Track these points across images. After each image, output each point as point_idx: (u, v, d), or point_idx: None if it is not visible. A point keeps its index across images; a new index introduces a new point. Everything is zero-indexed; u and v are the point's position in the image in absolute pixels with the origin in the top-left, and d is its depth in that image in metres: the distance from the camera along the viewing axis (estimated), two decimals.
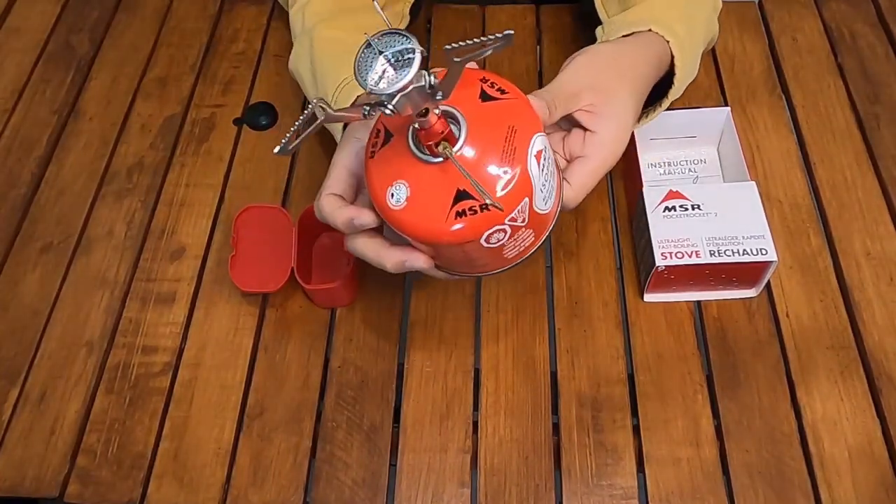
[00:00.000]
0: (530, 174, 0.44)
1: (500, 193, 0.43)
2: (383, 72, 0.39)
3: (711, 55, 0.78)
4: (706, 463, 0.57)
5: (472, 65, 0.46)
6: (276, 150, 0.41)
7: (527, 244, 0.49)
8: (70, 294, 0.67)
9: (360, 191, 0.52)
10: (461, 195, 0.43)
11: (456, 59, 0.39)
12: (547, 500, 0.57)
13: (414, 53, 0.39)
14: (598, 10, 0.67)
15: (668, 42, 0.58)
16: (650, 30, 0.58)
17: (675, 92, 0.60)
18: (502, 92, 0.45)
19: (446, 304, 0.65)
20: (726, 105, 0.74)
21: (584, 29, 0.80)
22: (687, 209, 0.62)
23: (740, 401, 0.60)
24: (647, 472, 0.57)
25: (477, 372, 0.62)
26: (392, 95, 0.39)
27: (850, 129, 0.73)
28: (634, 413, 0.60)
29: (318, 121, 0.42)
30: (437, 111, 0.42)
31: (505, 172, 0.43)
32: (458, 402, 0.61)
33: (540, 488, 0.57)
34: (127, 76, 0.81)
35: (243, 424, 0.61)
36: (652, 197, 0.62)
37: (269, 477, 0.58)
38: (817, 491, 0.56)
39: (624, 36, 0.58)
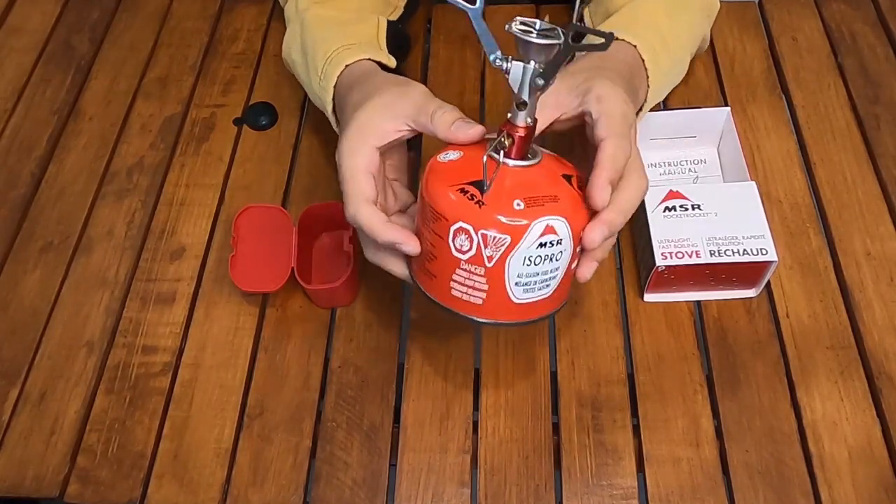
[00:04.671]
0: (530, 228, 0.44)
1: (496, 215, 0.44)
2: (526, 28, 0.43)
3: (711, 55, 0.79)
4: (706, 463, 0.57)
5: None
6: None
7: (473, 298, 0.48)
8: (70, 294, 0.67)
9: (379, 192, 0.52)
10: (478, 183, 0.45)
11: (570, 43, 0.43)
12: (547, 500, 0.57)
13: (560, 36, 0.43)
14: (587, 21, 0.68)
15: (635, 46, 0.58)
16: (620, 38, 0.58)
17: (652, 94, 0.60)
18: (577, 188, 0.48)
19: None
20: (726, 105, 0.74)
21: None
22: (687, 209, 0.62)
23: (740, 401, 0.60)
24: (647, 472, 0.57)
25: (477, 372, 0.62)
26: (521, 49, 0.44)
27: (850, 129, 0.73)
28: (634, 413, 0.60)
29: (476, 21, 0.46)
30: (529, 120, 0.46)
31: (517, 204, 0.45)
32: (458, 402, 0.61)
33: (540, 488, 0.57)
34: (127, 76, 0.81)
35: (243, 424, 0.61)
36: (652, 197, 0.62)
37: (269, 477, 0.58)
38: (817, 491, 0.56)
39: None
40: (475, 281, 0.47)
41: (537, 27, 0.43)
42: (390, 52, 0.63)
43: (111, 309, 0.66)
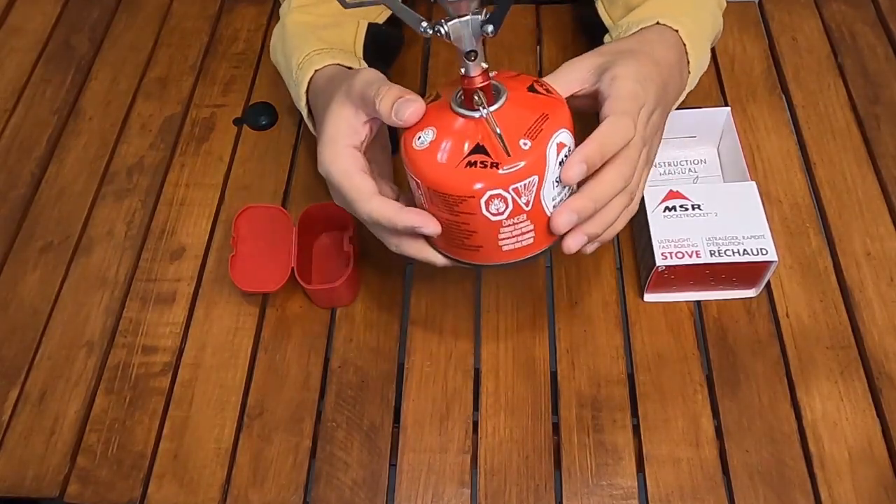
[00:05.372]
0: (546, 156, 0.45)
1: (509, 153, 0.45)
2: None
3: (711, 55, 0.78)
4: (706, 463, 0.57)
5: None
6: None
7: (525, 241, 0.48)
8: (70, 294, 0.67)
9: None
10: (478, 149, 0.45)
11: None
12: (547, 500, 0.57)
13: None
14: (602, 16, 0.66)
15: (677, 31, 0.57)
16: (658, 23, 0.57)
17: (691, 81, 0.59)
18: (548, 92, 0.48)
19: (446, 304, 0.65)
20: (726, 105, 0.74)
21: (584, 31, 0.81)
22: (687, 209, 0.62)
23: (740, 401, 0.60)
24: (647, 472, 0.57)
25: (477, 372, 0.62)
26: (453, 9, 0.42)
27: (850, 129, 0.73)
28: (634, 413, 0.60)
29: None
30: (483, 64, 0.44)
31: (524, 144, 0.45)
32: (458, 402, 0.61)
33: (540, 488, 0.57)
34: (127, 76, 0.81)
35: (243, 424, 0.61)
36: (652, 197, 0.62)
37: (269, 477, 0.58)
38: (817, 491, 0.56)
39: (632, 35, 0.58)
40: (521, 228, 0.47)
41: None
42: (374, 54, 0.63)
43: (111, 309, 0.66)
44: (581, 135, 0.47)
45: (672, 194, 0.62)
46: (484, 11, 0.43)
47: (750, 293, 0.64)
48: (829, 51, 0.79)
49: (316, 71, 0.59)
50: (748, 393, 0.60)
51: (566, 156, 0.46)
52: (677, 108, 0.66)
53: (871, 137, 0.72)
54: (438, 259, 0.52)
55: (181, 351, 0.64)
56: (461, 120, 0.46)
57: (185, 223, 0.71)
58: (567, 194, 0.48)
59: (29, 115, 0.79)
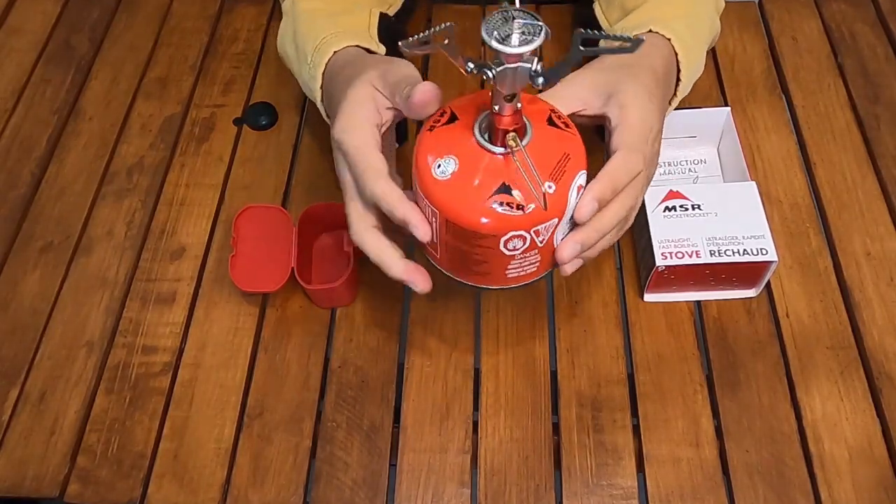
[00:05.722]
0: (568, 199, 0.46)
1: (538, 194, 0.45)
2: (509, 36, 0.40)
3: (712, 55, 0.78)
4: (706, 463, 0.57)
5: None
6: (401, 43, 0.42)
7: (529, 270, 0.49)
8: (70, 294, 0.67)
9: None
10: (504, 188, 0.45)
11: (581, 48, 0.42)
12: (547, 500, 0.57)
13: (541, 30, 0.40)
14: (599, 18, 0.67)
15: (669, 40, 0.57)
16: (651, 30, 0.57)
17: (682, 89, 0.59)
18: (566, 126, 0.48)
19: (446, 304, 0.65)
20: (726, 105, 0.74)
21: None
22: (687, 209, 0.62)
23: (740, 401, 0.60)
24: (647, 472, 0.57)
25: (477, 372, 0.62)
26: (506, 59, 0.41)
27: (850, 129, 0.73)
28: (634, 413, 0.60)
29: (445, 44, 0.42)
30: (519, 105, 0.44)
31: (549, 187, 0.45)
32: (458, 402, 0.61)
33: (540, 488, 0.57)
34: (127, 76, 0.81)
35: (243, 424, 0.61)
36: (652, 197, 0.62)
37: (269, 477, 0.58)
38: (817, 491, 0.56)
39: None
40: (531, 259, 0.48)
41: (516, 25, 0.41)
42: (385, 46, 0.63)
43: (111, 309, 0.66)
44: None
45: (672, 194, 0.62)
46: (535, 60, 0.42)
47: (750, 293, 0.64)
48: (829, 51, 0.79)
49: (335, 52, 0.58)
50: (748, 393, 0.60)
51: (579, 194, 0.47)
52: (676, 109, 0.66)
53: (871, 137, 0.72)
54: (394, 268, 0.50)
55: (181, 351, 0.64)
56: (486, 155, 0.45)
57: (185, 223, 0.71)
58: (570, 224, 0.48)
59: (29, 115, 0.79)
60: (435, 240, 0.49)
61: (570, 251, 0.47)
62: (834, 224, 0.68)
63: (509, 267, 0.48)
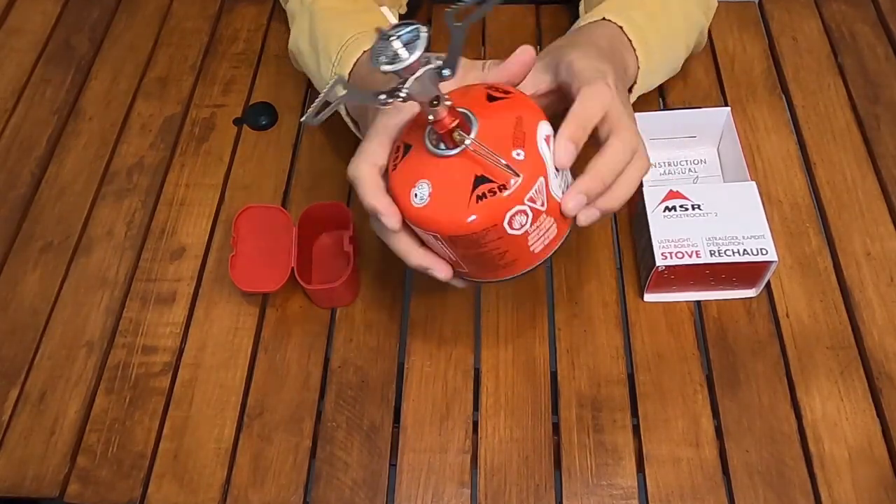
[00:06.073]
0: (542, 154, 0.46)
1: (522, 180, 0.45)
2: (395, 54, 0.41)
3: (711, 55, 0.78)
4: (706, 463, 0.57)
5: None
6: (303, 118, 0.43)
7: (551, 236, 0.49)
8: (70, 294, 0.67)
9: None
10: (480, 180, 0.45)
11: (456, 24, 0.42)
12: (547, 500, 0.57)
13: (420, 34, 0.41)
14: (581, 10, 0.68)
15: (621, 27, 0.58)
16: (604, 18, 0.59)
17: (642, 76, 0.59)
18: (506, 93, 0.48)
19: (446, 304, 0.65)
20: (726, 105, 0.74)
21: None
22: (687, 209, 0.62)
23: (740, 401, 0.60)
24: (647, 472, 0.57)
25: (477, 372, 0.62)
26: (403, 73, 0.41)
27: (850, 129, 0.73)
28: (634, 413, 0.60)
29: (341, 95, 0.44)
30: (447, 102, 0.44)
31: (517, 154, 0.45)
32: (458, 402, 0.61)
33: (540, 488, 0.57)
34: (127, 76, 0.81)
35: (243, 424, 0.61)
36: (652, 197, 0.62)
37: (269, 477, 0.58)
38: (817, 491, 0.56)
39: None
40: (545, 226, 0.48)
41: (396, 42, 0.41)
42: None
43: (111, 309, 0.66)
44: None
45: (672, 194, 0.62)
46: (431, 57, 0.43)
47: (750, 293, 0.64)
48: (829, 51, 0.79)
49: (364, 52, 0.58)
50: (748, 393, 0.60)
51: (552, 142, 0.47)
52: (676, 109, 0.66)
53: (871, 137, 0.72)
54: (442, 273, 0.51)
55: (181, 351, 0.64)
56: (447, 161, 0.46)
57: (185, 223, 0.71)
58: (567, 174, 0.48)
59: (29, 115, 0.79)
60: (454, 259, 0.49)
61: (574, 203, 0.47)
62: (834, 224, 0.68)
63: (530, 244, 0.48)
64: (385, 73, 0.41)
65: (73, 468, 0.59)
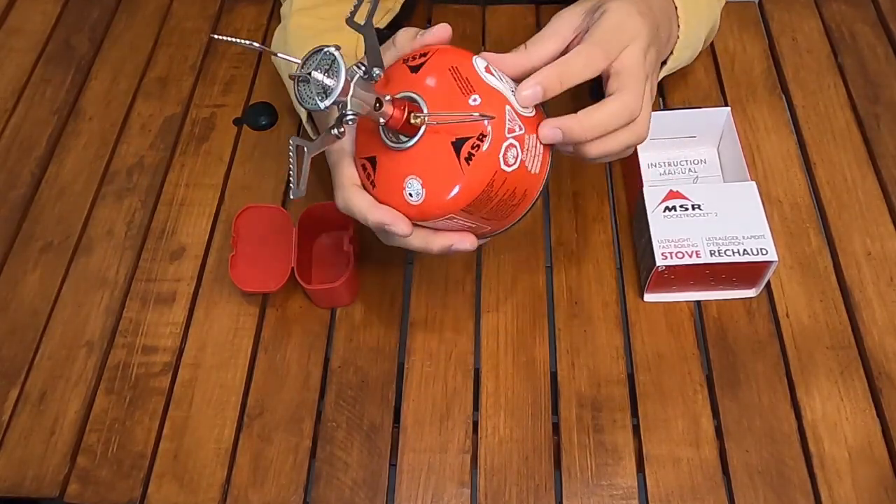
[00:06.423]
0: (494, 87, 0.46)
1: (497, 119, 0.45)
2: (323, 86, 0.41)
3: (711, 55, 0.78)
4: (706, 463, 0.57)
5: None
6: (292, 195, 0.44)
7: (541, 151, 0.49)
8: (70, 294, 0.67)
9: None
10: (458, 143, 0.45)
11: (361, 24, 0.43)
12: (547, 500, 0.57)
13: (331, 55, 0.41)
14: None
15: None
16: None
17: (679, 47, 0.58)
18: (423, 55, 0.48)
19: (446, 304, 0.65)
20: (726, 105, 0.74)
21: None
22: (687, 209, 0.62)
23: (740, 401, 0.60)
24: (647, 472, 0.57)
25: (477, 372, 0.62)
26: (341, 97, 0.41)
27: (850, 129, 0.73)
28: (634, 413, 0.60)
29: (309, 154, 0.44)
30: (387, 98, 0.45)
31: (474, 100, 0.45)
32: (458, 402, 0.61)
33: (540, 488, 0.57)
34: (127, 76, 0.81)
35: (243, 424, 0.61)
36: (652, 197, 0.62)
37: (269, 477, 0.58)
38: (817, 491, 0.56)
39: None
40: (532, 146, 0.48)
41: (316, 75, 0.42)
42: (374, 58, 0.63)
43: (111, 309, 0.66)
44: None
45: (672, 194, 0.62)
46: (355, 66, 0.43)
47: (750, 293, 0.64)
48: (829, 51, 0.79)
49: None
50: (748, 393, 0.60)
51: (492, 69, 0.47)
52: (676, 109, 0.66)
53: (871, 137, 0.72)
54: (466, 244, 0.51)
55: (181, 351, 0.64)
56: (420, 146, 0.46)
57: (185, 223, 0.71)
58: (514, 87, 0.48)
59: (29, 115, 0.79)
60: (473, 225, 0.49)
61: (549, 134, 0.47)
62: (834, 224, 0.68)
63: (529, 168, 0.48)
64: (327, 109, 0.41)
65: (73, 468, 0.59)
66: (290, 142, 0.44)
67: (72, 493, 0.58)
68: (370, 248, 0.67)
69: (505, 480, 0.57)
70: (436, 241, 0.49)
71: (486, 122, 0.44)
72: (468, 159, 0.45)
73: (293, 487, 0.58)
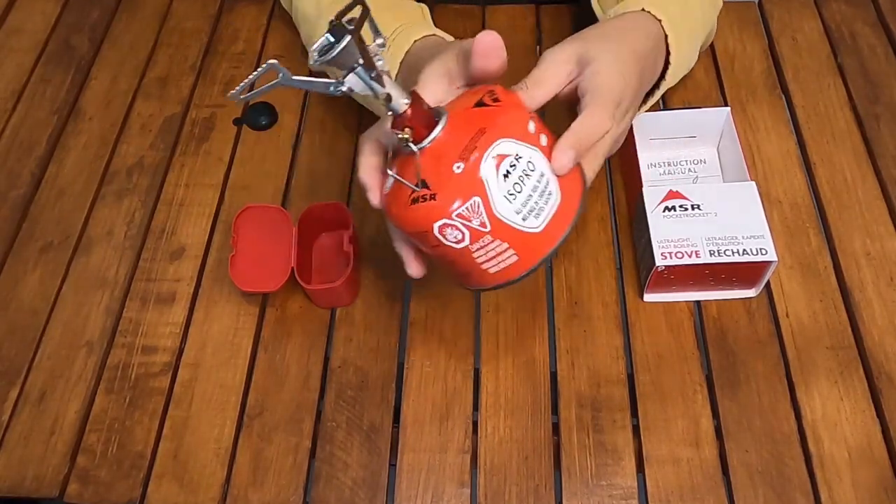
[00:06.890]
0: (481, 174, 0.44)
1: (451, 193, 0.44)
2: (331, 47, 0.42)
3: (711, 55, 0.78)
4: (706, 463, 0.57)
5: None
6: (229, 94, 0.44)
7: (508, 261, 0.46)
8: (70, 294, 0.67)
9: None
10: (423, 184, 0.45)
11: (351, 28, 0.42)
12: (547, 500, 0.57)
13: (343, 31, 0.41)
14: (595, 8, 0.67)
15: (660, 21, 0.56)
16: (643, 10, 0.57)
17: (671, 75, 0.59)
18: (496, 101, 0.47)
19: (446, 304, 0.65)
20: (726, 105, 0.74)
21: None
22: (687, 209, 0.62)
23: (740, 401, 0.60)
24: (646, 472, 0.57)
25: (477, 372, 0.62)
26: (338, 66, 0.41)
27: (850, 129, 0.73)
28: (634, 413, 0.60)
29: (274, 82, 0.43)
30: (405, 100, 0.44)
31: (457, 167, 0.44)
32: (458, 402, 0.61)
33: (540, 488, 0.57)
34: (127, 76, 0.81)
35: (243, 424, 0.61)
36: (652, 197, 0.62)
37: (269, 477, 0.58)
38: (817, 491, 0.56)
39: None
40: (495, 249, 0.46)
41: (327, 38, 0.42)
42: None
43: (111, 309, 0.66)
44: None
45: (672, 194, 0.62)
46: (376, 45, 0.43)
47: (750, 293, 0.64)
48: (829, 51, 0.79)
49: (415, 41, 0.59)
50: (748, 393, 0.60)
51: (511, 166, 0.44)
52: (676, 109, 0.66)
53: (871, 137, 0.72)
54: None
55: (181, 351, 0.64)
56: (408, 158, 0.46)
57: (185, 223, 0.71)
58: (538, 199, 0.45)
59: (29, 115, 0.79)
60: (438, 262, 0.50)
61: (566, 158, 0.47)
62: (834, 224, 0.68)
63: (479, 261, 0.47)
64: (317, 63, 0.42)
65: (73, 468, 0.59)
66: (268, 63, 0.42)
67: (71, 493, 0.58)
68: (370, 248, 0.67)
69: (505, 480, 0.57)
70: (397, 245, 0.52)
71: (443, 196, 0.44)
72: (412, 202, 0.45)
73: (293, 487, 0.58)
